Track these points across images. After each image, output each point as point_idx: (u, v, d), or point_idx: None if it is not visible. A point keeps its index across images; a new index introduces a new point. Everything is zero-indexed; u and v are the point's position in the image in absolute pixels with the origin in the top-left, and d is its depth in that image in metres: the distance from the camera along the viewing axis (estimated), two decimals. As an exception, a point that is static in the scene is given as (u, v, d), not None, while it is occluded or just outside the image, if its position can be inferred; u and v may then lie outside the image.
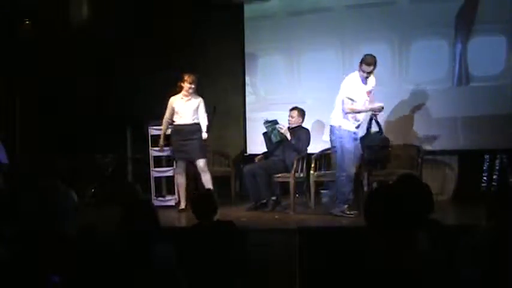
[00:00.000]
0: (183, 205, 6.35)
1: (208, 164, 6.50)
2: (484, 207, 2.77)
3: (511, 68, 6.40)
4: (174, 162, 6.56)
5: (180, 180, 6.41)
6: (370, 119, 5.78)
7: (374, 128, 5.79)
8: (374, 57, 5.60)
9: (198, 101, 6.39)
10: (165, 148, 6.89)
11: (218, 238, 3.55)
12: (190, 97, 6.34)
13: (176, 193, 6.84)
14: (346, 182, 5.69)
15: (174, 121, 6.42)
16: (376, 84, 6.22)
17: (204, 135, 6.37)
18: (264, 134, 6.65)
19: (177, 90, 6.39)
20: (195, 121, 6.36)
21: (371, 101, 5.74)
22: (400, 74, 6.89)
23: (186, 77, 6.26)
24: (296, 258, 4.41)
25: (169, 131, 6.55)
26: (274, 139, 6.44)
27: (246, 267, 3.62)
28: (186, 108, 6.34)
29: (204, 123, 6.40)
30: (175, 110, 6.37)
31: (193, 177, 6.60)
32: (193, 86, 6.27)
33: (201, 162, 6.30)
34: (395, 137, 6.69)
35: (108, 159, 7.55)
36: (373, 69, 5.64)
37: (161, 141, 6.52)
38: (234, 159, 7.50)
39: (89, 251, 2.52)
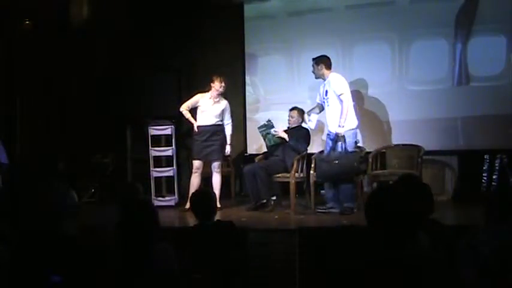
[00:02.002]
0: (188, 205, 6.34)
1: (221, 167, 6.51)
2: (484, 207, 2.77)
3: (511, 68, 6.40)
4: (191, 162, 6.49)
5: (196, 180, 6.34)
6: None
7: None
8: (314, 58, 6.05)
9: (225, 104, 6.43)
10: (166, 148, 6.91)
11: (218, 238, 3.54)
12: (218, 99, 6.37)
13: (177, 193, 6.84)
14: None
15: (195, 120, 6.42)
16: (377, 84, 6.29)
17: (228, 148, 6.41)
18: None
19: (205, 89, 6.40)
20: (218, 123, 6.40)
21: (331, 105, 5.92)
22: (400, 74, 6.89)
23: (215, 78, 6.29)
24: (296, 258, 4.41)
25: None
26: (268, 143, 6.45)
27: (246, 267, 3.62)
28: (213, 110, 6.37)
29: (228, 132, 6.44)
30: (201, 109, 6.39)
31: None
32: (223, 85, 6.29)
33: (216, 164, 6.36)
34: (395, 137, 6.71)
35: (108, 159, 7.55)
36: (314, 67, 6.02)
37: (193, 121, 6.40)
38: (234, 159, 7.50)
39: (89, 251, 2.52)
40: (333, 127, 5.90)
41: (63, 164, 7.40)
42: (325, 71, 5.99)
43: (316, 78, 6.09)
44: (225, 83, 6.31)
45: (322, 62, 6.01)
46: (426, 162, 6.31)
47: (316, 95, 6.26)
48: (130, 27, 7.58)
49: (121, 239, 2.67)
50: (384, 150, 6.55)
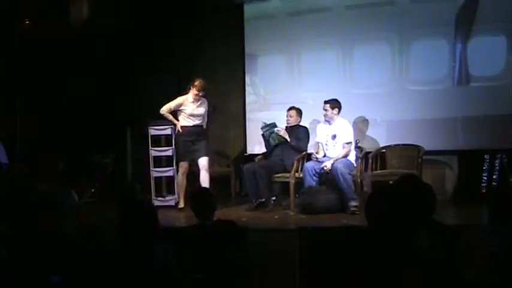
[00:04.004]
0: (182, 204, 6.42)
1: (209, 164, 6.51)
2: (485, 207, 2.77)
3: (511, 68, 6.40)
4: (177, 162, 6.61)
5: (184, 181, 6.45)
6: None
7: None
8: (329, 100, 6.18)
9: (206, 105, 6.51)
10: (166, 148, 6.91)
11: (218, 238, 3.54)
12: (200, 101, 6.43)
13: (177, 193, 6.84)
14: None
15: (178, 120, 6.48)
16: (377, 84, 6.25)
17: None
18: (263, 134, 6.66)
19: (186, 91, 6.43)
20: (202, 124, 6.50)
21: (337, 148, 6.16)
22: (400, 74, 6.88)
23: (196, 83, 6.34)
24: (296, 258, 4.41)
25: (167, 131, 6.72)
26: (272, 142, 6.46)
27: (246, 267, 3.61)
28: (197, 112, 6.44)
29: (204, 121, 6.56)
30: (185, 112, 6.44)
31: (193, 177, 6.60)
32: (200, 94, 6.35)
33: (204, 160, 6.39)
34: (395, 137, 6.70)
35: (108, 159, 7.55)
36: (329, 110, 6.15)
37: (176, 122, 6.48)
38: (234, 159, 7.50)
39: (89, 251, 2.52)
40: (329, 162, 6.02)
41: (63, 164, 7.40)
42: (336, 116, 6.18)
43: (326, 120, 6.23)
44: (201, 92, 6.32)
45: (339, 107, 6.19)
46: (426, 162, 6.30)
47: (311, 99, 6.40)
48: (130, 27, 7.58)
49: (121, 239, 2.67)
50: (383, 150, 6.54)
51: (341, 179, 5.82)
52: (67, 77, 7.54)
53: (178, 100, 6.48)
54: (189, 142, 6.42)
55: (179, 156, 6.54)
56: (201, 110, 6.46)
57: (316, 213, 5.80)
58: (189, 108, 6.43)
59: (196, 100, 6.40)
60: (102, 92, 7.68)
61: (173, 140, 6.90)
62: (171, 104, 6.48)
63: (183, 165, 6.47)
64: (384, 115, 6.88)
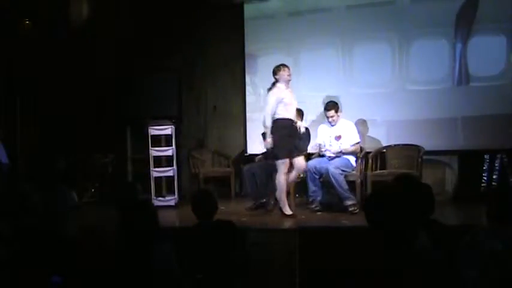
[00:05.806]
0: (289, 210, 5.72)
1: (210, 165, 6.41)
2: (484, 207, 2.77)
3: (511, 68, 6.40)
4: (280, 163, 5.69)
5: (285, 181, 5.70)
6: None
7: None
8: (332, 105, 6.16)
9: None
10: (166, 148, 6.90)
11: (218, 238, 3.54)
12: (290, 88, 5.90)
13: (177, 193, 6.83)
14: None
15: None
16: (377, 84, 6.24)
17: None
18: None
19: (273, 84, 5.84)
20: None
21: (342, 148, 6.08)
22: (400, 74, 6.89)
23: (282, 65, 5.83)
24: (296, 258, 4.41)
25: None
26: None
27: (246, 267, 3.62)
28: (293, 100, 5.86)
29: None
30: (285, 101, 5.71)
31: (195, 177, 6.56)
32: (290, 72, 5.84)
33: (302, 160, 5.79)
34: (395, 137, 6.71)
35: (108, 159, 7.55)
36: (334, 115, 6.12)
37: (268, 137, 5.72)
38: (234, 159, 7.50)
39: (89, 251, 2.52)
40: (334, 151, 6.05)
41: (63, 164, 7.40)
42: (339, 117, 6.18)
43: (332, 124, 6.15)
44: (290, 73, 5.85)
45: (340, 108, 6.18)
46: (426, 162, 6.31)
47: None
48: (130, 27, 7.58)
49: (121, 239, 2.67)
50: (384, 150, 6.55)
51: (332, 180, 5.81)
52: (67, 77, 7.53)
53: (275, 95, 5.72)
54: (288, 137, 5.70)
55: (283, 154, 5.65)
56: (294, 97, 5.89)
57: (334, 211, 5.86)
58: (287, 96, 5.76)
59: (288, 86, 5.83)
60: (102, 91, 7.68)
61: (173, 140, 6.88)
62: (272, 105, 5.69)
63: (286, 163, 5.67)
64: (384, 115, 6.89)
